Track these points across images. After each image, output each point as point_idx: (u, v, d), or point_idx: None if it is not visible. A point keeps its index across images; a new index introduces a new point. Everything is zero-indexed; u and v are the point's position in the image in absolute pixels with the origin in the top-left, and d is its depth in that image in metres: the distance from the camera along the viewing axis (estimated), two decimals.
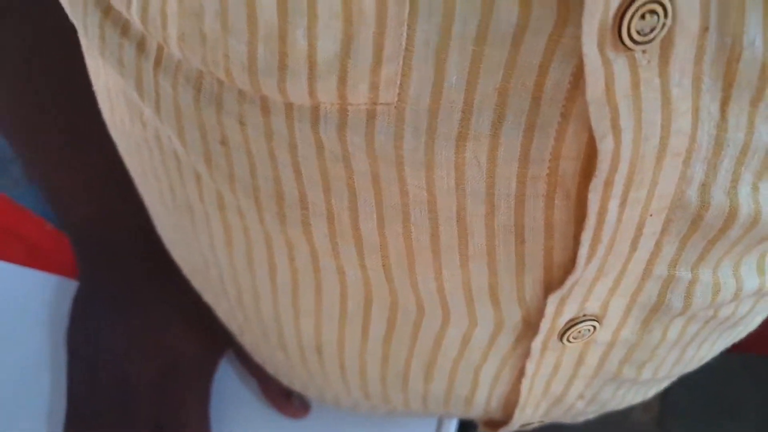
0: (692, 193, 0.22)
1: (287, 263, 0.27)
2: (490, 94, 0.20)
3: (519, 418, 0.34)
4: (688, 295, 0.26)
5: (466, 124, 0.20)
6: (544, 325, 0.27)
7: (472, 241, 0.24)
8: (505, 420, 0.35)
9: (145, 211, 0.37)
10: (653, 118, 0.20)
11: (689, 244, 0.24)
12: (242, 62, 0.20)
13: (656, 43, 0.19)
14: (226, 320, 0.37)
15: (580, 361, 0.29)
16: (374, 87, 0.20)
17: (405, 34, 0.19)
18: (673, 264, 0.25)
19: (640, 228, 0.23)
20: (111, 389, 0.43)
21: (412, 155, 0.21)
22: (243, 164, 0.24)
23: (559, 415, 0.35)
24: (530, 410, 0.33)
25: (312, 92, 0.20)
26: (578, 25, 0.18)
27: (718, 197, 0.22)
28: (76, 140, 0.41)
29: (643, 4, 0.18)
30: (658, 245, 0.24)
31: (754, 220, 0.23)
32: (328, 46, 0.19)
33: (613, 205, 0.22)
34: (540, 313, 0.26)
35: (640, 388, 0.34)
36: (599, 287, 0.25)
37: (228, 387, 0.46)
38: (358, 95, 0.20)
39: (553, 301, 0.25)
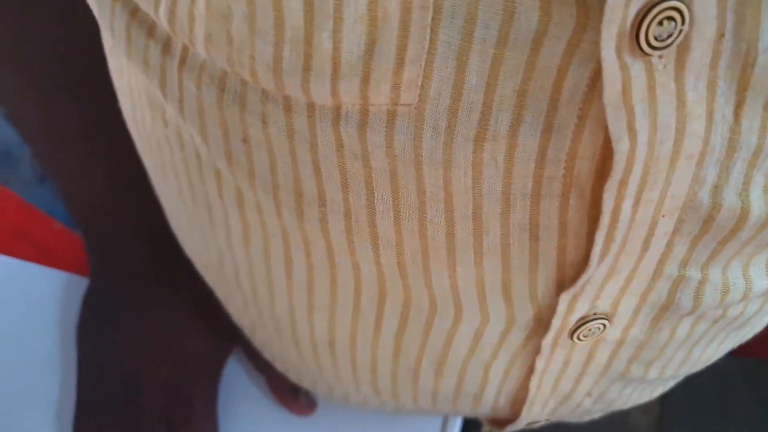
0: (704, 195, 0.23)
1: (303, 259, 0.28)
2: (509, 95, 0.20)
3: (526, 415, 0.34)
4: (698, 295, 0.26)
5: (484, 125, 0.21)
6: (555, 323, 0.27)
7: (487, 239, 0.24)
8: (512, 418, 0.35)
9: (157, 209, 0.37)
10: (668, 122, 0.20)
11: (700, 245, 0.25)
12: (267, 63, 0.20)
13: (673, 49, 0.19)
14: (238, 317, 0.37)
15: (589, 358, 0.30)
16: (396, 88, 0.20)
17: (428, 38, 0.19)
18: (684, 264, 0.25)
19: (652, 228, 0.24)
20: (120, 386, 0.43)
21: (431, 155, 0.22)
22: (264, 162, 0.24)
23: (565, 414, 0.35)
24: (538, 408, 0.34)
25: (335, 93, 0.21)
26: (597, 31, 0.18)
27: (730, 199, 0.23)
28: (94, 138, 0.41)
29: (662, 11, 0.18)
30: (669, 245, 0.24)
31: (765, 222, 0.24)
32: (352, 49, 0.19)
33: (627, 205, 0.22)
34: (551, 310, 0.26)
35: (646, 388, 0.34)
36: (611, 286, 0.26)
37: (235, 383, 0.47)
38: (380, 96, 0.21)
39: (565, 298, 0.26)
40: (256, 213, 0.27)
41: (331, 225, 0.26)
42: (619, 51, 0.19)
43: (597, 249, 0.23)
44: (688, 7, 0.18)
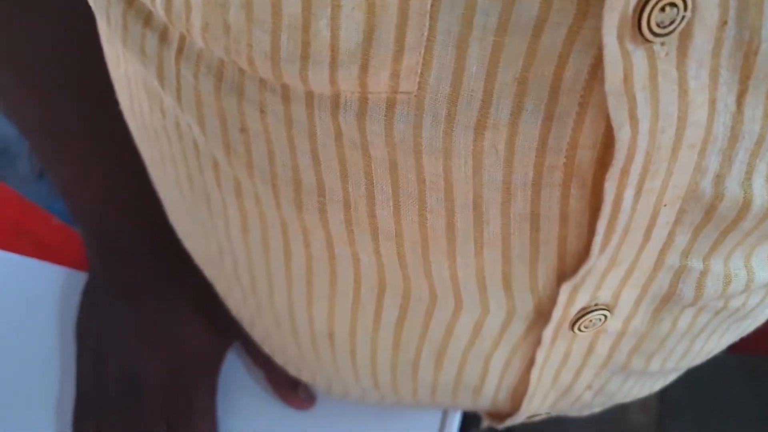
0: (706, 184, 0.23)
1: (302, 250, 0.28)
2: (510, 83, 0.20)
3: (526, 409, 0.34)
4: (700, 286, 0.26)
5: (485, 113, 0.21)
6: (556, 314, 0.27)
7: (487, 229, 0.24)
8: (512, 412, 0.35)
9: (155, 204, 0.37)
10: (670, 110, 0.20)
11: (702, 235, 0.24)
12: (265, 51, 0.20)
13: (675, 36, 0.19)
14: (237, 310, 0.37)
15: (590, 350, 0.30)
16: (395, 76, 0.20)
17: (427, 25, 0.19)
18: (686, 254, 0.25)
19: (654, 218, 0.23)
20: (119, 381, 0.43)
21: (431, 143, 0.22)
22: (262, 151, 0.24)
23: (565, 407, 0.35)
24: (538, 401, 0.33)
25: (333, 81, 0.20)
26: (598, 18, 0.18)
27: (732, 188, 0.23)
28: (93, 137, 0.41)
29: None
30: (671, 235, 0.24)
31: None
32: (350, 37, 0.19)
33: (629, 194, 0.22)
34: (552, 301, 0.26)
35: (647, 381, 0.34)
36: (612, 276, 0.26)
37: (234, 378, 0.47)
38: (379, 84, 0.20)
39: (565, 289, 0.26)
40: (254, 203, 0.27)
41: (330, 215, 0.25)
42: (620, 38, 0.18)
43: (598, 239, 0.23)
44: None
